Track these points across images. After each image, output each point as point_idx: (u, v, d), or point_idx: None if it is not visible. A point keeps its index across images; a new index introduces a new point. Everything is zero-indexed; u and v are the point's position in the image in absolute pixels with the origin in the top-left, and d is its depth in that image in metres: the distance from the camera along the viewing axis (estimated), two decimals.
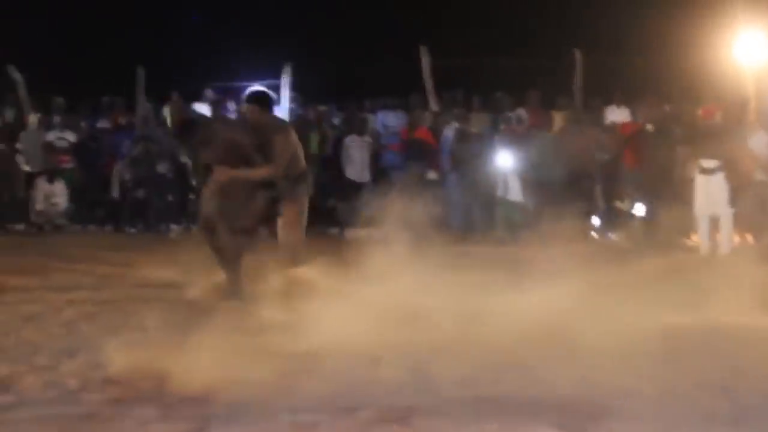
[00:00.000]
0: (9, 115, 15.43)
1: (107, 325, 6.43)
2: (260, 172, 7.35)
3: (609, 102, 14.20)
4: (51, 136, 14.67)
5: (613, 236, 12.65)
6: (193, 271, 7.97)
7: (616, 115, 14.01)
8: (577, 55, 14.61)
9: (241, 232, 7.41)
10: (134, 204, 14.14)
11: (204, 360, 4.86)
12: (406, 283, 6.66)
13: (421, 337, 5.63)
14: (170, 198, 14.06)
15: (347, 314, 5.89)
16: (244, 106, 7.80)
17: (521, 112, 13.81)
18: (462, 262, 8.00)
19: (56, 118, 14.94)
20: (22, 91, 15.29)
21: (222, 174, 7.33)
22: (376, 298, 6.23)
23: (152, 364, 4.89)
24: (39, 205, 14.13)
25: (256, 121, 7.48)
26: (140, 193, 14.07)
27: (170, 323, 6.15)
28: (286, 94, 14.91)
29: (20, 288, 8.06)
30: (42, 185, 14.20)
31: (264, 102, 7.58)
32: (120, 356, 5.09)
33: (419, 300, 6.43)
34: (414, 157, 13.44)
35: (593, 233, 12.78)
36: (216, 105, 15.01)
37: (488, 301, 6.37)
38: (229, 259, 7.42)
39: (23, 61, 15.41)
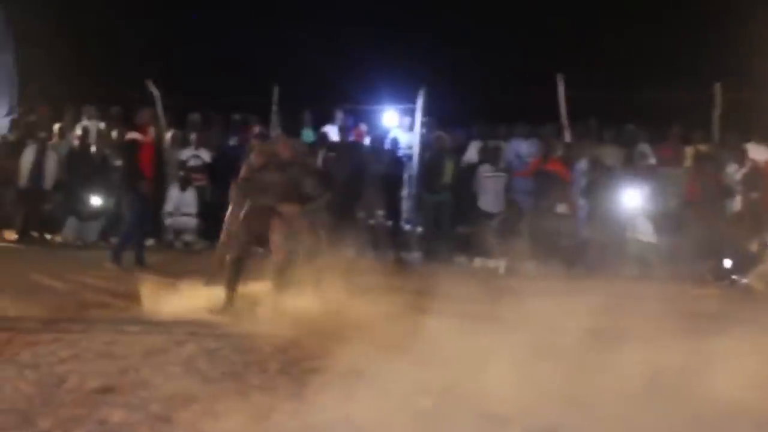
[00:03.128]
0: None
1: (225, 364, 6.55)
2: None
3: (748, 139, 14.50)
4: (185, 154, 15.72)
5: (745, 280, 12.79)
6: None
7: (756, 152, 14.31)
8: (717, 89, 14.95)
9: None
10: None
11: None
12: (546, 323, 7.04)
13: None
14: None
15: (482, 354, 6.23)
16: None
17: (644, 147, 14.55)
18: (597, 300, 8.08)
19: (192, 136, 15.95)
20: (159, 107, 16.03)
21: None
22: (514, 339, 6.50)
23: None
24: (169, 215, 15.17)
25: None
26: None
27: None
28: (418, 118, 15.71)
29: (141, 314, 8.41)
30: (173, 193, 15.22)
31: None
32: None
33: (567, 344, 6.65)
34: (544, 188, 14.20)
35: (725, 276, 13.05)
36: (343, 129, 16.15)
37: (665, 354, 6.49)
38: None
39: (161, 75, 16.39)
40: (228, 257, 9.01)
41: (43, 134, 15.74)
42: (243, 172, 9.23)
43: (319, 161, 14.69)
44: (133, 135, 12.39)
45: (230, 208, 9.44)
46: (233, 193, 9.38)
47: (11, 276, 10.56)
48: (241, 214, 9.03)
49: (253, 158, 9.24)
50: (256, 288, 9.07)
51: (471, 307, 8.44)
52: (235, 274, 8.85)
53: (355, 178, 14.46)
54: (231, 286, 8.81)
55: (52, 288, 10.05)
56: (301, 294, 8.76)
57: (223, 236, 9.59)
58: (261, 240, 9.06)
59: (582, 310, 7.49)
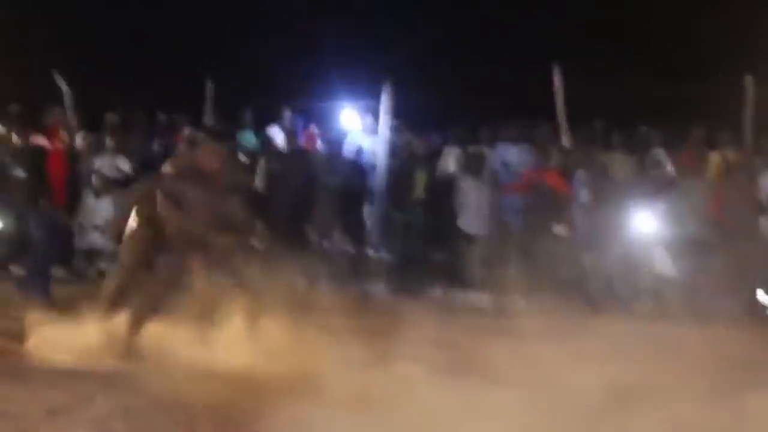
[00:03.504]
0: None
1: (145, 425, 6.59)
2: None
3: None
4: (101, 162, 15.20)
5: None
6: None
7: None
8: (749, 82, 14.79)
9: None
10: None
11: None
12: (546, 374, 7.07)
13: None
14: None
15: (465, 415, 6.32)
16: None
17: (659, 153, 14.53)
18: (605, 344, 8.13)
19: (108, 140, 15.45)
20: (69, 105, 15.76)
21: None
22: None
23: None
24: (80, 229, 14.83)
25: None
26: None
27: None
28: (383, 118, 15.51)
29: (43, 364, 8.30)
30: (88, 202, 14.85)
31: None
32: None
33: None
34: (538, 205, 14.13)
35: (760, 312, 13.18)
36: (291, 132, 15.83)
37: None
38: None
39: (71, 68, 16.12)
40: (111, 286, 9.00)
41: None
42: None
43: (260, 173, 14.52)
44: (38, 140, 12.17)
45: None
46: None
47: None
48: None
49: (168, 168, 9.04)
50: (173, 328, 8.97)
51: (449, 353, 8.35)
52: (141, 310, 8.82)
53: (306, 193, 14.28)
54: (135, 324, 8.76)
55: None
56: (235, 336, 8.69)
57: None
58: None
59: (588, 356, 7.48)
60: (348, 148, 15.41)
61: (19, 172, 14.22)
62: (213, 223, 8.86)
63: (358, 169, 15.13)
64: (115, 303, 8.97)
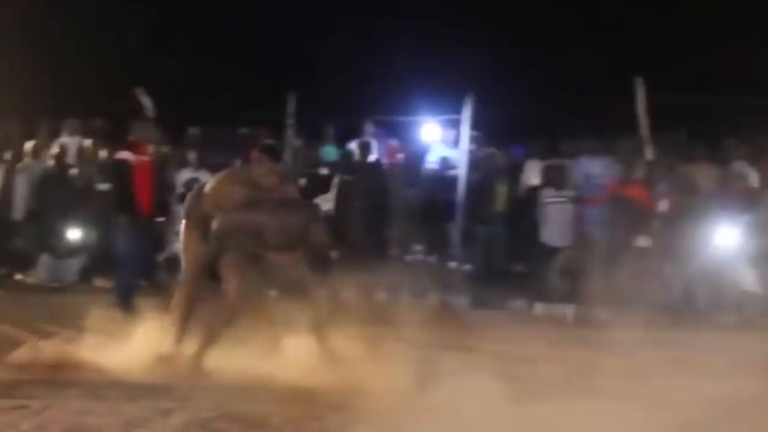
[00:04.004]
0: None
1: None
2: None
3: None
4: (184, 177, 15.45)
5: None
6: None
7: None
8: None
9: None
10: None
11: None
12: (660, 390, 6.86)
13: None
14: None
15: None
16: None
17: (742, 165, 14.38)
18: (714, 358, 8.08)
19: (191, 155, 15.87)
20: (151, 120, 15.55)
21: None
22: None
23: None
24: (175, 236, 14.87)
25: None
26: None
27: None
28: (465, 132, 15.49)
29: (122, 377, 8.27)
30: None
31: None
32: None
33: None
34: (621, 217, 13.99)
35: None
36: (364, 147, 15.86)
37: None
38: None
39: (154, 83, 16.25)
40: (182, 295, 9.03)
41: (8, 154, 15.62)
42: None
43: (334, 185, 14.63)
44: (124, 154, 12.27)
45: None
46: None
47: None
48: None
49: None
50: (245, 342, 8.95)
51: (536, 366, 8.29)
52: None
53: (379, 205, 14.24)
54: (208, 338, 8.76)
55: (16, 341, 9.74)
56: (309, 350, 8.70)
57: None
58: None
59: (686, 368, 7.47)
60: (430, 161, 15.35)
61: (104, 186, 14.41)
62: (269, 237, 8.84)
63: (440, 181, 15.07)
64: (184, 315, 9.01)
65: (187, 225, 9.13)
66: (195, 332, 8.97)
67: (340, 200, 14.55)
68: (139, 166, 12.18)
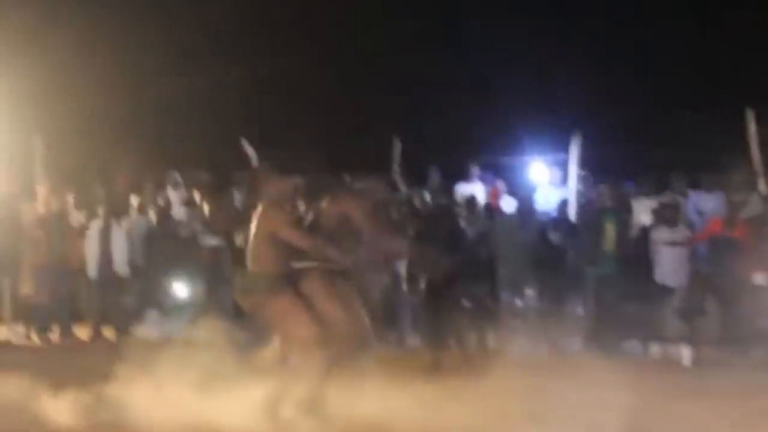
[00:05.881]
0: (238, 199, 15.78)
1: None
2: None
3: None
4: None
5: None
6: None
7: None
8: None
9: None
10: None
11: None
12: None
13: None
14: None
15: None
16: None
17: None
18: None
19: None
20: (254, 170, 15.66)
21: None
22: None
23: None
24: None
25: None
26: None
27: None
28: (573, 171, 15.43)
29: None
30: None
31: None
32: None
33: None
34: (730, 254, 13.50)
35: None
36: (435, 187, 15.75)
37: None
38: None
39: (256, 133, 16.26)
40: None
41: (102, 209, 15.65)
42: None
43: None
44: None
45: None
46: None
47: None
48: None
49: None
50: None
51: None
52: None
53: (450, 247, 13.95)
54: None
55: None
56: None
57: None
58: None
59: None
60: (558, 206, 15.10)
61: (210, 240, 14.37)
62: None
63: (565, 225, 14.78)
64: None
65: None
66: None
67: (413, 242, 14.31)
68: None
